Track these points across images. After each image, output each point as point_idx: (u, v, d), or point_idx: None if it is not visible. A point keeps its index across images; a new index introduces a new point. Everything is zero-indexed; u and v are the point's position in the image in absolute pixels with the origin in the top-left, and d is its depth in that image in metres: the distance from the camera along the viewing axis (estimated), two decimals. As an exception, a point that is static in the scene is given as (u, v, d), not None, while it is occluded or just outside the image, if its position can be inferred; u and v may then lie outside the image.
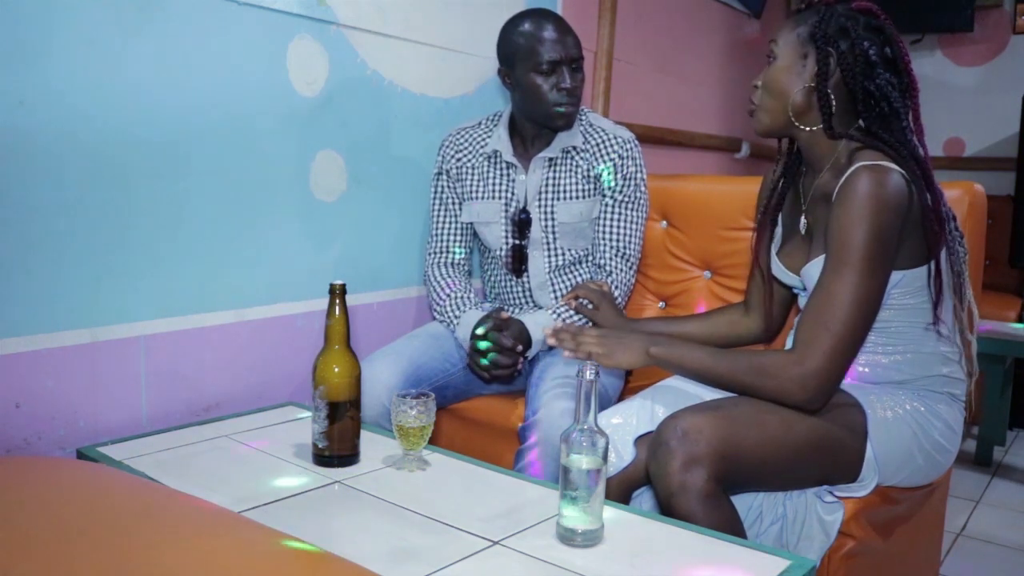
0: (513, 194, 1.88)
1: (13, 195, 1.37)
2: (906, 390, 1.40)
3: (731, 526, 1.24)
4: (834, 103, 1.37)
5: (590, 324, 1.76)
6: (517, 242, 1.88)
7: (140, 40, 1.50)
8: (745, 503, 1.37)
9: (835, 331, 1.27)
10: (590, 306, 1.77)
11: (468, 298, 1.87)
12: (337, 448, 1.35)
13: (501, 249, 1.90)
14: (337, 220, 1.90)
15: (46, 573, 0.67)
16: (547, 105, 1.76)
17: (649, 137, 2.89)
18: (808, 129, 1.42)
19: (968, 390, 1.46)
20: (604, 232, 1.87)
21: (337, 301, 1.34)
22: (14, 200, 1.37)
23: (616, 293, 1.84)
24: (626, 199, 1.85)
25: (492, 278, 1.98)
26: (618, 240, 1.86)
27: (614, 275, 1.85)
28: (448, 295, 1.88)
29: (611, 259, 1.86)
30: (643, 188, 1.88)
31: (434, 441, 1.45)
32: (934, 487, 1.53)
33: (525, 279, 1.91)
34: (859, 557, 1.38)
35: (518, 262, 1.89)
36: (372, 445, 1.44)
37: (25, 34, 1.36)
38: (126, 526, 0.78)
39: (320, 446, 1.35)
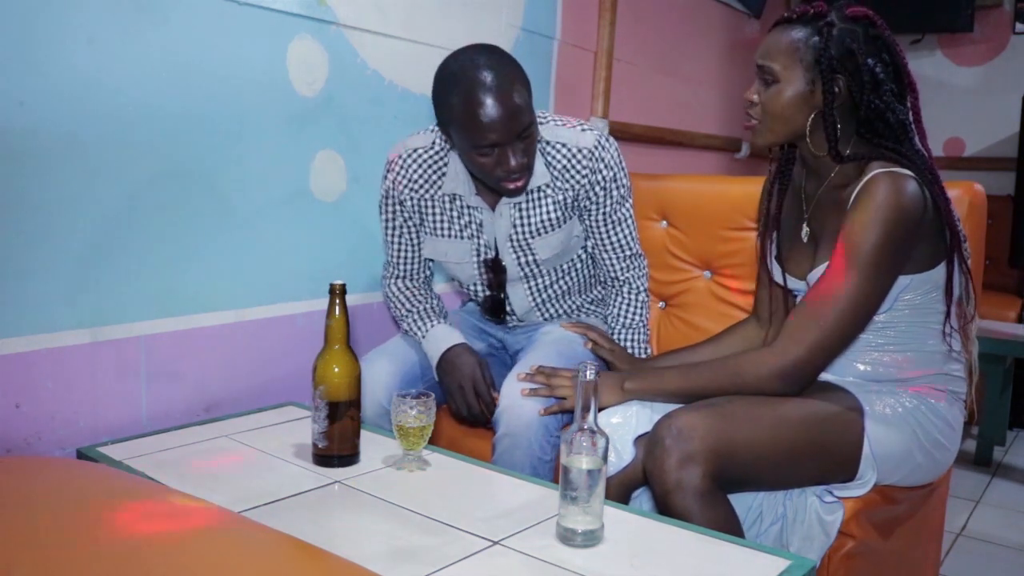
0: (482, 234, 1.71)
1: (13, 195, 1.37)
2: (907, 388, 1.40)
3: (727, 524, 1.24)
4: (839, 127, 1.36)
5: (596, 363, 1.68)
6: (492, 293, 1.76)
7: (140, 40, 1.50)
8: (745, 503, 1.38)
9: (825, 327, 1.29)
10: (607, 346, 1.69)
11: (433, 309, 1.75)
12: (337, 448, 1.35)
13: (475, 287, 1.79)
14: (337, 220, 1.90)
15: (46, 573, 0.67)
16: (493, 180, 1.54)
17: (649, 137, 2.90)
18: (815, 146, 1.40)
19: (969, 393, 1.46)
20: (604, 245, 1.74)
21: (337, 301, 1.34)
22: (14, 200, 1.37)
23: (640, 295, 1.78)
24: (614, 203, 1.70)
25: (467, 289, 1.85)
26: (621, 246, 1.74)
27: (630, 279, 1.77)
28: (411, 309, 1.75)
29: (622, 266, 1.76)
30: (625, 182, 1.70)
31: (434, 441, 1.45)
32: (934, 487, 1.53)
33: (508, 307, 1.80)
34: (859, 557, 1.38)
35: (497, 311, 1.80)
36: (372, 445, 1.44)
37: (25, 34, 1.36)
38: (126, 526, 0.78)
39: (320, 446, 1.35)
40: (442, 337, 1.68)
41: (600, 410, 1.48)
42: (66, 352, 1.46)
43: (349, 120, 1.89)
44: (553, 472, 1.54)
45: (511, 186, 1.54)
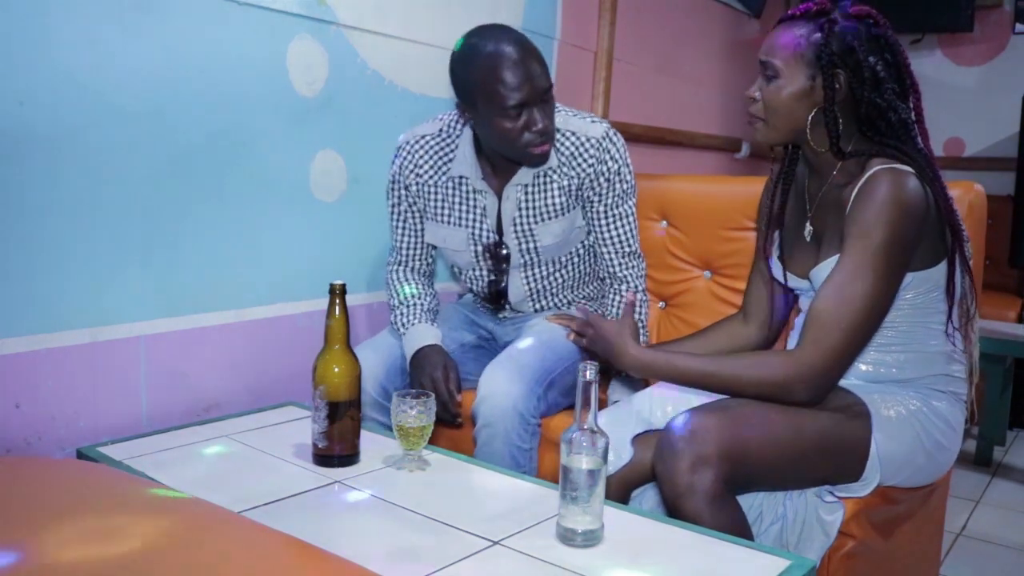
0: (484, 220, 1.73)
1: (13, 195, 1.37)
2: (909, 389, 1.39)
3: (738, 527, 1.24)
4: (841, 123, 1.36)
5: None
6: (495, 279, 1.78)
7: (140, 40, 1.50)
8: (745, 503, 1.37)
9: (847, 330, 1.28)
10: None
11: (422, 306, 1.77)
12: (337, 448, 1.35)
13: (474, 273, 1.80)
14: (337, 220, 1.90)
15: (46, 573, 0.67)
16: (520, 147, 1.57)
17: (649, 137, 2.90)
18: (816, 143, 1.40)
19: (969, 394, 1.46)
20: (604, 240, 1.75)
21: (337, 301, 1.34)
22: (14, 200, 1.37)
23: (638, 294, 1.77)
24: (616, 197, 1.72)
25: (466, 278, 1.87)
26: (621, 242, 1.76)
27: (628, 277, 1.78)
28: (402, 302, 1.78)
29: (621, 262, 1.77)
30: (629, 179, 1.73)
31: (434, 441, 1.45)
32: (934, 487, 1.53)
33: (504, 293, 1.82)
34: (859, 557, 1.38)
35: (497, 299, 1.82)
36: (372, 445, 1.44)
37: (25, 34, 1.36)
38: (126, 526, 0.78)
39: (320, 446, 1.36)
40: (418, 336, 1.71)
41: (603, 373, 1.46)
42: (66, 352, 1.46)
43: (349, 120, 1.89)
44: (535, 461, 1.56)
45: (537, 151, 1.58)
